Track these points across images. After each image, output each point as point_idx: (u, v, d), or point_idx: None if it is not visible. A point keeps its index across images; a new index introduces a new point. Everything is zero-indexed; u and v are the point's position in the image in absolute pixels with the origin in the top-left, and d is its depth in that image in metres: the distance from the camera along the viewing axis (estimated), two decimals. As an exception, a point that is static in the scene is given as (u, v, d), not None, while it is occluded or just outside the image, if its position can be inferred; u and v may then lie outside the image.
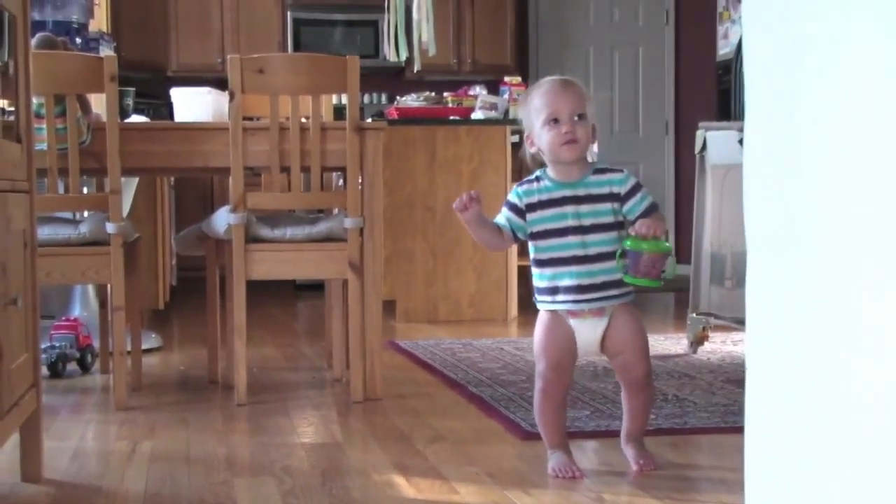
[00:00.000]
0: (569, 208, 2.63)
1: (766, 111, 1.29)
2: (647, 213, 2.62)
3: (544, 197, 2.66)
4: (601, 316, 2.65)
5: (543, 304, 2.69)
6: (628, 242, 2.56)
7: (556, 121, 2.59)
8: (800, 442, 1.24)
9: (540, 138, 2.63)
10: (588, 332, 2.66)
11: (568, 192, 2.64)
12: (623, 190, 2.63)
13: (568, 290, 2.63)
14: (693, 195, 4.72)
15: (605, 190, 2.63)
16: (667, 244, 2.58)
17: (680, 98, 9.67)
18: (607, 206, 2.62)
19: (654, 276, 2.58)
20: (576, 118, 2.59)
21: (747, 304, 1.35)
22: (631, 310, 2.70)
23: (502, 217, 2.72)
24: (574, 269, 2.62)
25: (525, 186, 2.70)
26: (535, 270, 2.70)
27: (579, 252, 2.61)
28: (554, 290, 2.64)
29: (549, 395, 2.68)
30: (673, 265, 2.62)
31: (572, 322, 2.65)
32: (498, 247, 2.81)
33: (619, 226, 2.64)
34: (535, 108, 2.63)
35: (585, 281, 2.62)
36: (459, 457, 2.90)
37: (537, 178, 2.68)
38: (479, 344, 4.98)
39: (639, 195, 2.63)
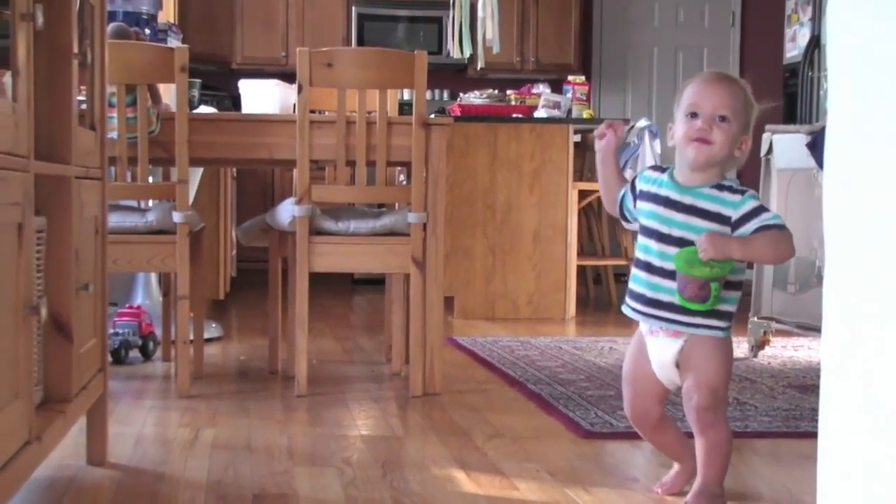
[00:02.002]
0: (665, 211, 2.35)
1: (850, 111, 1.28)
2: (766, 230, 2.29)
3: (653, 190, 2.39)
4: (676, 337, 2.38)
5: (624, 307, 2.49)
6: (677, 261, 2.29)
7: (694, 115, 2.32)
8: (879, 451, 1.23)
9: (676, 130, 2.37)
10: (659, 351, 2.41)
11: (674, 195, 2.35)
12: (736, 215, 2.29)
13: (635, 296, 2.41)
14: (756, 199, 4.68)
15: (714, 208, 2.31)
16: (718, 268, 2.25)
17: (744, 101, 9.58)
18: (707, 224, 2.30)
19: (701, 298, 2.28)
20: (718, 118, 2.31)
21: (824, 308, 1.34)
22: (715, 341, 2.36)
23: (620, 196, 2.52)
24: (644, 276, 2.38)
25: (649, 172, 2.45)
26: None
27: (655, 261, 2.36)
28: (629, 292, 2.44)
29: (632, 419, 2.55)
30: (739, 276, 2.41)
31: (647, 341, 2.44)
32: (609, 193, 2.55)
33: None
34: (682, 97, 2.37)
35: (649, 293, 2.37)
36: (519, 453, 2.90)
37: (662, 170, 2.43)
38: (537, 342, 4.97)
39: (753, 221, 2.28)
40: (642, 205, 2.42)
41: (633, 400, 2.51)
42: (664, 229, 2.35)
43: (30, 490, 2.47)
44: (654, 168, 2.46)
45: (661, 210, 2.36)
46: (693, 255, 2.26)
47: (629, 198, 2.49)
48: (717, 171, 2.35)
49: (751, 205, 2.30)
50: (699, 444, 2.40)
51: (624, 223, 2.51)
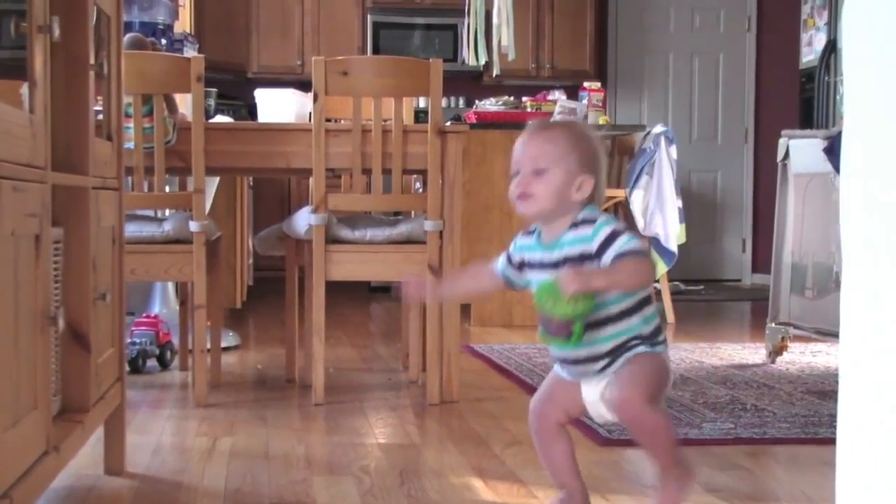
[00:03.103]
0: (544, 274, 2.23)
1: (868, 114, 1.27)
2: (618, 260, 2.17)
3: (528, 257, 2.31)
4: (601, 378, 2.25)
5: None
6: (539, 299, 2.13)
7: (516, 173, 2.24)
8: (896, 454, 1.22)
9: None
10: (587, 391, 2.27)
11: (545, 256, 2.26)
12: (594, 246, 2.18)
13: (555, 358, 2.32)
14: (772, 204, 4.67)
15: (578, 250, 2.20)
16: (582, 305, 2.10)
17: (760, 106, 9.57)
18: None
19: (566, 335, 2.14)
20: (533, 171, 2.21)
21: (842, 313, 1.33)
22: (633, 358, 2.23)
23: (498, 263, 2.39)
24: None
25: (520, 240, 2.35)
26: None
27: None
28: (550, 352, 2.33)
29: (532, 414, 2.39)
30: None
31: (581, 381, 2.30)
32: (480, 287, 2.47)
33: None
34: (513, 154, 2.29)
35: (561, 353, 2.26)
36: (537, 461, 2.88)
37: (531, 233, 2.33)
38: (554, 349, 4.96)
39: (610, 250, 2.17)
40: (528, 274, 2.33)
41: (541, 401, 2.37)
42: None
43: (48, 500, 2.47)
44: (524, 234, 2.35)
45: (542, 274, 2.24)
46: (554, 292, 2.10)
47: (508, 269, 2.37)
48: (569, 218, 2.24)
49: (604, 232, 2.19)
50: (643, 445, 2.25)
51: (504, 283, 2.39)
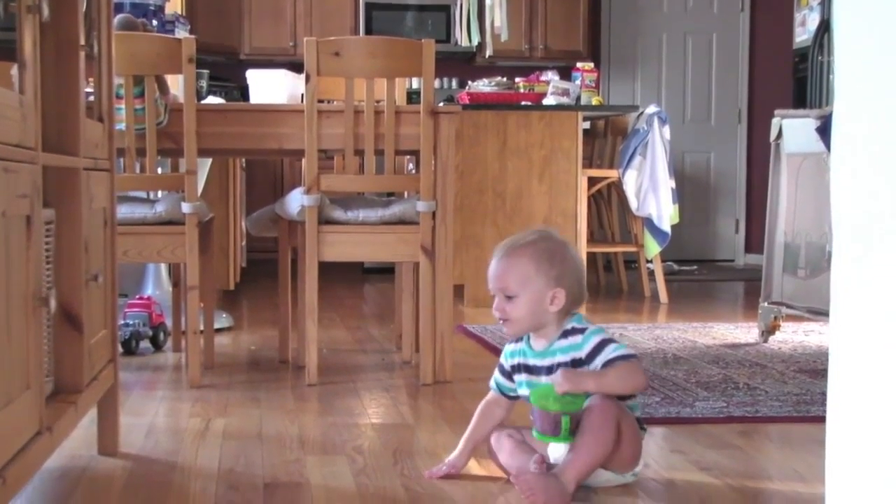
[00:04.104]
0: (534, 378, 2.46)
1: (858, 94, 1.27)
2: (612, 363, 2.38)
3: (519, 361, 2.50)
4: None
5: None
6: (533, 397, 2.39)
7: (493, 295, 2.46)
8: (886, 434, 1.23)
9: None
10: (554, 448, 2.41)
11: (536, 362, 2.46)
12: (584, 353, 2.40)
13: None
14: (765, 184, 4.68)
15: (569, 357, 2.41)
16: (571, 403, 2.33)
17: (754, 86, 9.57)
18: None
19: (553, 432, 2.36)
20: (506, 298, 2.42)
21: (832, 292, 1.33)
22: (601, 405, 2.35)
23: (493, 381, 2.58)
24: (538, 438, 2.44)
25: (511, 347, 2.54)
26: None
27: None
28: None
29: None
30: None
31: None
32: (501, 419, 2.58)
33: None
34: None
35: (559, 454, 2.39)
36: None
37: (519, 340, 2.52)
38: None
39: (598, 357, 2.38)
40: (517, 377, 2.51)
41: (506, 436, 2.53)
42: None
43: (42, 480, 2.48)
44: (513, 343, 2.55)
45: (531, 378, 2.47)
46: (549, 391, 2.36)
47: (504, 382, 2.56)
48: (554, 327, 2.45)
49: (594, 341, 2.40)
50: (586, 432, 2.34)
51: (508, 399, 2.55)
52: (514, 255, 2.44)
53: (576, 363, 2.41)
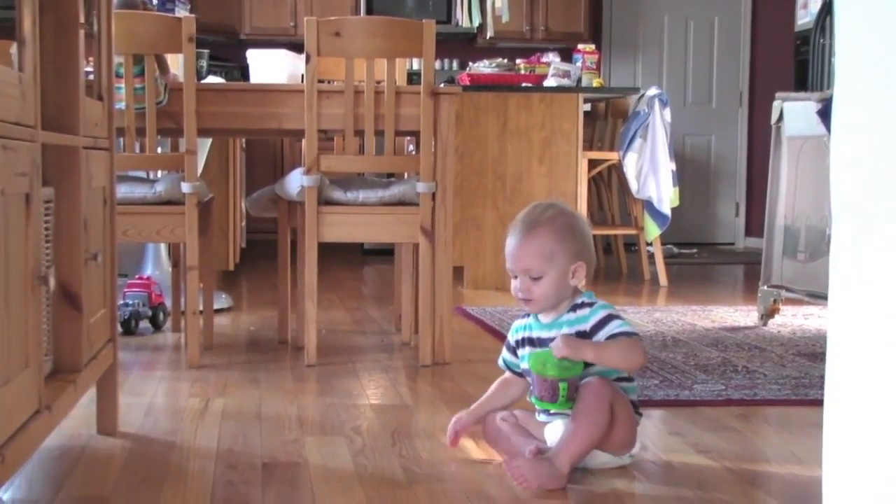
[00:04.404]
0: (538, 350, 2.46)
1: (858, 75, 1.27)
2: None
3: (525, 335, 2.52)
4: None
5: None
6: (531, 362, 2.40)
7: (514, 275, 2.46)
8: (883, 418, 1.23)
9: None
10: (555, 430, 2.43)
11: (542, 334, 2.47)
12: (588, 326, 2.41)
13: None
14: (766, 168, 4.67)
15: (574, 330, 2.42)
16: (569, 370, 2.35)
17: (755, 69, 9.56)
18: None
19: (550, 398, 2.39)
20: (530, 278, 2.42)
21: (831, 276, 1.33)
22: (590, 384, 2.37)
23: (501, 360, 2.61)
24: (540, 411, 2.48)
25: (518, 322, 2.57)
26: None
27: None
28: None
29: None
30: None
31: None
32: (516, 397, 2.60)
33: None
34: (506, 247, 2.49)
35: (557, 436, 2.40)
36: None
37: (526, 315, 2.54)
38: (546, 312, 4.97)
39: (602, 331, 2.40)
40: (521, 351, 2.52)
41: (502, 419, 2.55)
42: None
43: (41, 459, 2.48)
44: (520, 318, 2.57)
45: (535, 350, 2.46)
46: (547, 356, 2.37)
47: (510, 358, 2.58)
48: (567, 301, 2.46)
49: (599, 315, 2.42)
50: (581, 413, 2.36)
51: (513, 374, 2.57)
52: (536, 234, 2.43)
53: (580, 335, 2.41)
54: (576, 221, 2.47)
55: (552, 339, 2.42)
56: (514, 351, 2.56)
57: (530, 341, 2.50)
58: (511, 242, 2.46)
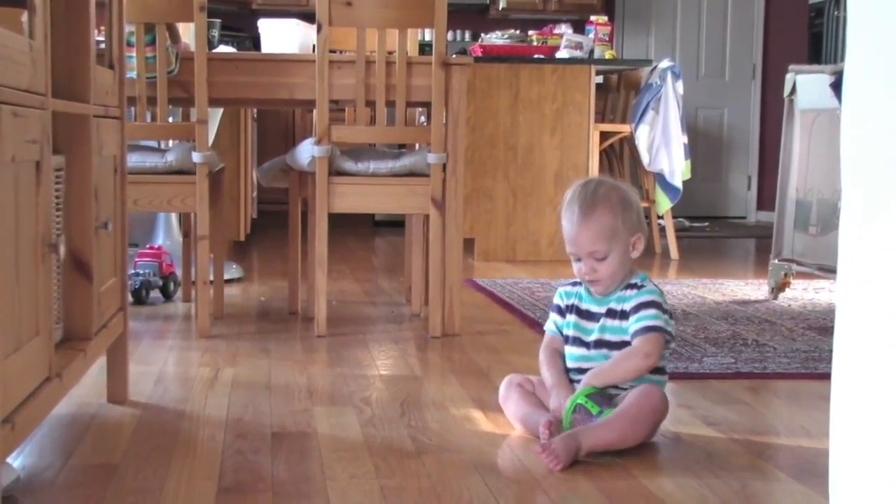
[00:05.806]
0: (595, 324, 2.47)
1: (870, 45, 1.26)
2: (637, 335, 2.40)
3: (574, 303, 2.52)
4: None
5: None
6: (580, 399, 2.36)
7: (577, 258, 2.46)
8: (892, 392, 1.22)
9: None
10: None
11: (593, 307, 2.48)
12: (628, 307, 2.43)
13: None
14: (778, 141, 4.65)
15: (620, 306, 2.45)
16: (582, 397, 2.37)
17: (769, 42, 9.50)
18: (614, 322, 2.45)
19: (581, 421, 2.35)
20: (595, 259, 2.42)
21: (840, 250, 1.33)
22: (644, 388, 2.39)
23: (551, 323, 2.59)
24: (576, 376, 2.49)
25: (566, 288, 2.57)
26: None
27: (583, 364, 2.48)
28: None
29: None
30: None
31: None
32: (554, 354, 2.58)
33: None
34: (563, 230, 2.48)
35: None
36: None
37: (577, 283, 2.54)
38: (557, 284, 4.96)
39: (638, 314, 2.41)
40: (569, 317, 2.53)
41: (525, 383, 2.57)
42: (600, 337, 2.47)
43: (52, 427, 2.49)
44: (566, 283, 2.59)
45: (582, 322, 2.50)
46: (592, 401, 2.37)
47: (560, 319, 2.57)
48: (625, 278, 2.47)
49: (641, 299, 2.42)
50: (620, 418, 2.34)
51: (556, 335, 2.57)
52: (595, 214, 2.42)
53: (623, 314, 2.43)
54: (626, 194, 2.47)
55: (601, 314, 2.46)
56: (562, 313, 2.55)
57: (578, 311, 2.51)
58: (570, 226, 2.44)
